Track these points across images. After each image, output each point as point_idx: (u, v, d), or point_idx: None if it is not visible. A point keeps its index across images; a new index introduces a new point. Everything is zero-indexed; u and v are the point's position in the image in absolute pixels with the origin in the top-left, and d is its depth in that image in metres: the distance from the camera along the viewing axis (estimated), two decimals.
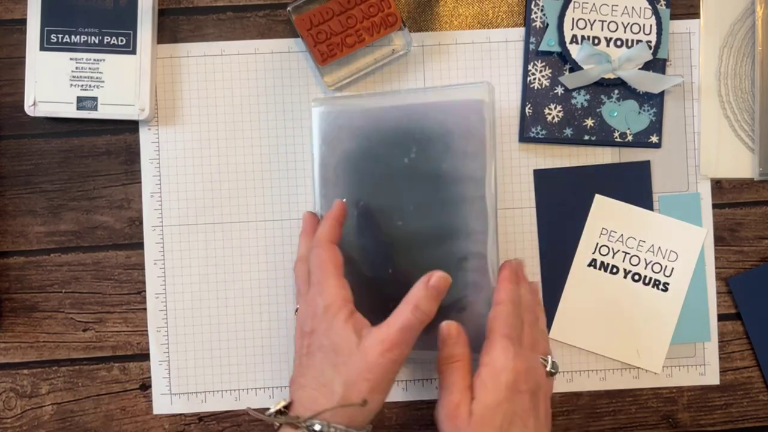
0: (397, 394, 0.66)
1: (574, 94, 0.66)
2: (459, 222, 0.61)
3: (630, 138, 0.66)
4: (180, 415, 0.66)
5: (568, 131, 0.66)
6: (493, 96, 0.61)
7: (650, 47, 0.65)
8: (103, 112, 0.64)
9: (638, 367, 0.66)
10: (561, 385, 0.67)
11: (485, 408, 0.53)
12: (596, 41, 0.65)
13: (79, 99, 0.65)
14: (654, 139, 0.66)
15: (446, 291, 0.56)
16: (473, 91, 0.60)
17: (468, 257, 0.60)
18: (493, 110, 0.62)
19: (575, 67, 0.65)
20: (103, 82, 0.64)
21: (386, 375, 0.53)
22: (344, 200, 0.61)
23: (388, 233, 0.62)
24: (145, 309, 0.66)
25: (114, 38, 0.65)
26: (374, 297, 0.61)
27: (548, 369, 0.57)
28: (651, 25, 0.66)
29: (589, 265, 0.66)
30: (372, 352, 0.53)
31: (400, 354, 0.53)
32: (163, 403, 0.66)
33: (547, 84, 0.66)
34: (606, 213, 0.66)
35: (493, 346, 0.55)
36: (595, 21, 0.66)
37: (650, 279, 0.66)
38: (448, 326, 0.57)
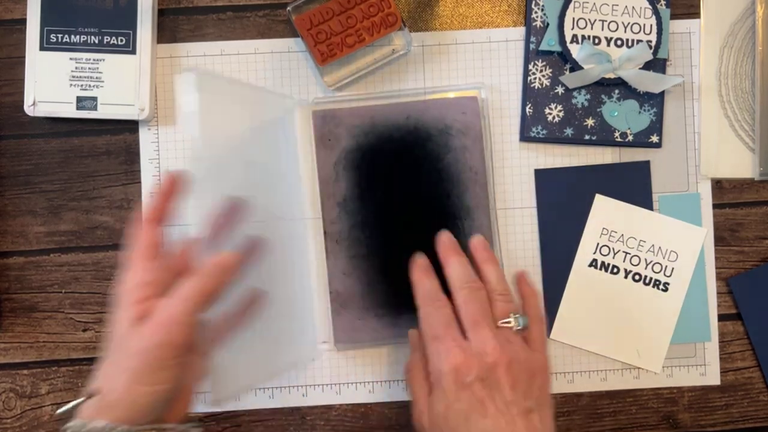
0: (397, 394, 0.66)
1: (575, 93, 0.66)
2: (462, 214, 0.64)
3: (630, 138, 0.66)
4: None
5: (568, 131, 0.66)
6: (487, 94, 0.65)
7: (650, 47, 0.65)
8: (102, 112, 0.64)
9: (639, 368, 0.66)
10: (562, 386, 0.66)
11: (438, 416, 0.53)
12: (597, 41, 0.65)
13: (79, 99, 0.64)
14: (654, 138, 0.66)
15: (231, 272, 0.52)
16: (468, 90, 0.65)
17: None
18: (489, 107, 0.65)
19: (576, 67, 0.65)
20: (102, 81, 0.64)
21: (150, 361, 0.48)
22: (176, 173, 0.56)
23: (392, 228, 0.64)
24: None
25: (114, 38, 0.65)
26: (381, 289, 0.64)
27: (514, 329, 0.55)
28: (651, 25, 0.66)
29: (590, 265, 0.66)
30: (150, 334, 0.49)
31: (167, 335, 0.48)
32: None
33: (548, 84, 0.66)
34: (606, 213, 0.66)
35: (427, 353, 0.55)
36: (595, 21, 0.65)
37: (650, 279, 0.66)
38: (411, 333, 0.60)
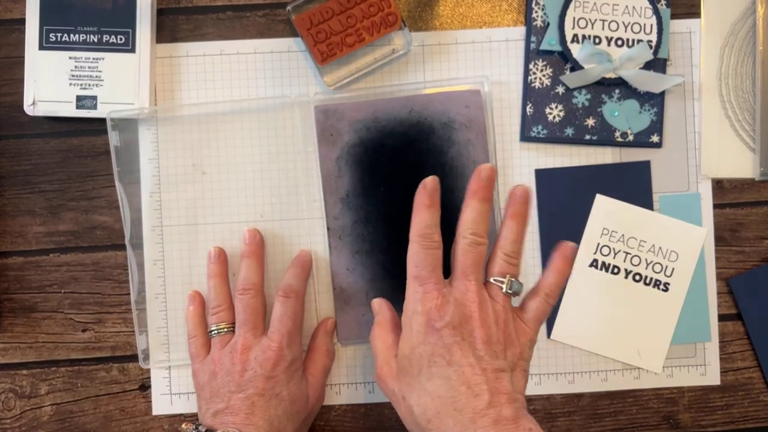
0: None
1: (575, 93, 0.66)
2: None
3: (631, 138, 0.66)
4: (180, 415, 0.66)
5: (569, 131, 0.66)
6: (490, 87, 0.65)
7: (651, 47, 0.65)
8: (102, 111, 0.64)
9: (639, 368, 0.66)
10: (562, 386, 0.66)
11: (402, 358, 0.53)
12: (597, 40, 0.65)
13: (79, 98, 0.64)
14: (655, 138, 0.66)
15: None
16: (471, 83, 0.65)
17: None
18: (491, 101, 0.65)
19: (576, 67, 0.65)
20: (102, 80, 0.64)
21: (316, 414, 0.64)
22: (309, 251, 0.65)
23: (395, 223, 0.64)
24: (145, 309, 0.66)
25: (113, 37, 0.64)
26: (385, 285, 0.64)
27: (504, 290, 0.54)
28: (652, 25, 0.65)
29: (591, 265, 0.66)
30: (312, 401, 0.61)
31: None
32: (162, 404, 0.66)
33: (548, 83, 0.66)
34: (607, 213, 0.66)
35: (406, 291, 0.55)
36: (596, 20, 0.65)
37: (651, 279, 0.66)
38: (374, 302, 0.61)
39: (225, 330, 0.62)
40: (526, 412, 0.52)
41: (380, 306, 0.60)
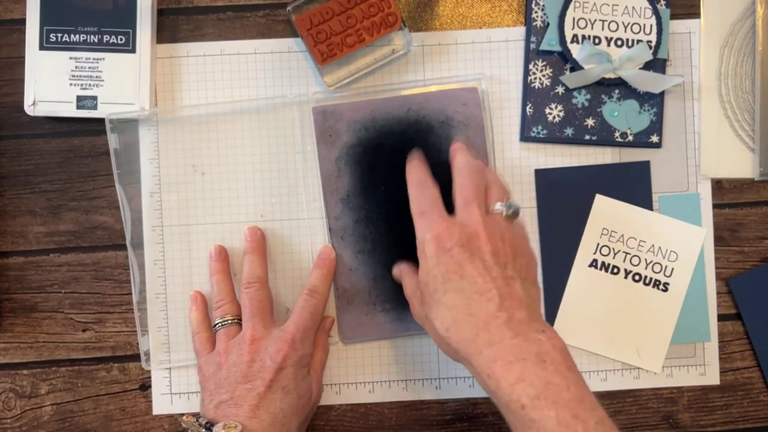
0: (397, 394, 0.66)
1: (575, 93, 0.66)
2: None
3: (630, 138, 0.66)
4: (180, 415, 0.66)
5: (568, 131, 0.66)
6: (487, 84, 0.65)
7: (650, 47, 0.65)
8: (102, 111, 0.64)
9: (638, 368, 0.66)
10: None
11: (422, 284, 0.55)
12: (597, 41, 0.65)
13: (79, 98, 0.64)
14: (654, 138, 0.66)
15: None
16: (468, 81, 0.65)
17: None
18: (489, 98, 0.66)
19: (576, 67, 0.65)
20: (102, 81, 0.64)
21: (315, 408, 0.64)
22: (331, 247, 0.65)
23: (396, 222, 0.64)
24: (145, 309, 0.66)
25: (113, 37, 0.64)
26: (387, 284, 0.64)
27: (504, 214, 0.57)
28: (651, 25, 0.66)
29: (590, 265, 0.66)
30: (315, 397, 0.62)
31: None
32: (163, 403, 0.66)
33: (548, 83, 0.66)
34: (607, 213, 0.66)
35: (415, 232, 0.57)
36: (595, 20, 0.65)
37: (650, 279, 0.66)
38: (394, 267, 0.63)
39: (230, 322, 0.62)
40: (542, 318, 0.54)
41: (399, 266, 0.62)
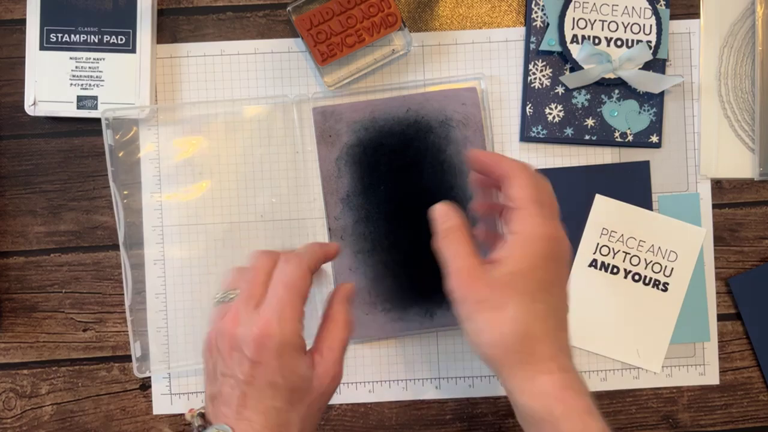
0: (397, 394, 0.66)
1: (575, 93, 0.66)
2: (466, 201, 0.64)
3: (630, 138, 0.66)
4: (180, 415, 0.66)
5: (568, 131, 0.66)
6: (486, 84, 0.65)
7: (650, 47, 0.65)
8: (102, 111, 0.64)
9: (638, 367, 0.66)
10: None
11: (512, 275, 0.49)
12: (597, 41, 0.65)
13: (79, 98, 0.64)
14: (654, 139, 0.66)
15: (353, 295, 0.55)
16: (467, 81, 0.65)
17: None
18: (488, 98, 0.66)
19: (576, 67, 0.65)
20: (103, 81, 0.64)
21: (332, 394, 0.52)
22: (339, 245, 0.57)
23: (396, 222, 0.64)
24: (145, 309, 0.66)
25: (113, 37, 0.65)
26: (387, 284, 0.64)
27: None
28: (651, 25, 0.66)
29: (590, 265, 0.66)
30: (325, 381, 0.51)
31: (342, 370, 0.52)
32: (163, 403, 0.66)
33: (548, 84, 0.66)
34: (606, 213, 0.66)
35: (521, 213, 0.51)
36: (595, 21, 0.65)
37: (650, 279, 0.66)
38: (435, 209, 0.53)
39: (232, 298, 0.52)
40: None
41: (448, 212, 0.53)
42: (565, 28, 0.65)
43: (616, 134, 0.66)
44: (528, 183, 0.52)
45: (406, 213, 0.64)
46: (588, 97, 0.66)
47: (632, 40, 0.65)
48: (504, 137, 0.67)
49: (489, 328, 0.49)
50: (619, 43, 0.65)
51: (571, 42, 0.65)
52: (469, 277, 0.50)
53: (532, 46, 0.66)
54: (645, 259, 0.66)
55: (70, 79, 0.64)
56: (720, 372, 0.67)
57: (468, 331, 0.50)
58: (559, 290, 0.51)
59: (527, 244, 0.50)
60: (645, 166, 0.67)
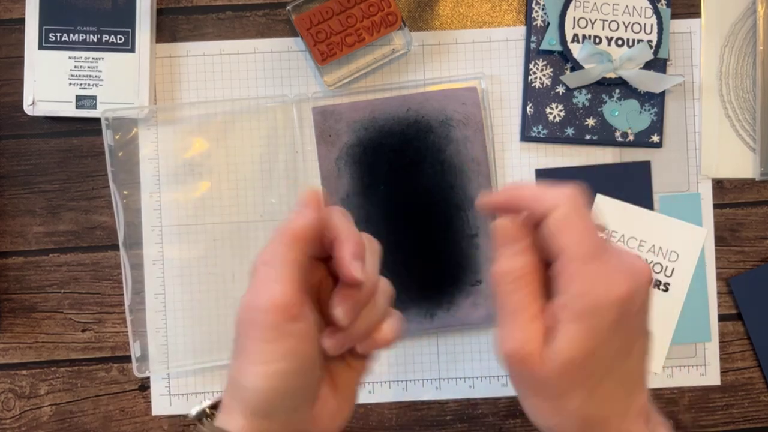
0: (397, 394, 0.66)
1: (576, 93, 0.66)
2: (466, 201, 0.64)
3: (631, 138, 0.66)
4: (179, 416, 0.66)
5: (569, 131, 0.66)
6: (487, 84, 0.66)
7: (651, 47, 0.65)
8: (102, 111, 0.64)
9: None
10: None
11: (572, 363, 0.39)
12: (597, 40, 0.65)
13: (78, 98, 0.64)
14: (655, 138, 0.66)
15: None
16: (467, 81, 0.65)
17: (478, 233, 0.64)
18: (488, 97, 0.66)
19: (576, 67, 0.65)
20: (102, 80, 0.64)
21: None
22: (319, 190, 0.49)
23: (396, 222, 0.64)
24: (145, 309, 0.66)
25: (113, 37, 0.64)
26: (390, 282, 0.62)
27: None
28: (652, 25, 0.65)
29: None
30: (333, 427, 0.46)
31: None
32: (162, 404, 0.66)
33: (549, 83, 0.66)
34: (607, 213, 0.66)
35: (578, 272, 0.39)
36: (596, 20, 0.65)
37: None
38: (501, 226, 0.42)
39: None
40: None
41: (518, 237, 0.42)
42: (566, 28, 0.65)
43: (617, 134, 0.66)
44: (573, 222, 0.40)
45: (406, 213, 0.64)
46: (589, 96, 0.66)
47: (633, 40, 0.65)
48: (504, 137, 0.67)
49: (546, 415, 0.43)
50: (619, 42, 0.65)
51: (572, 41, 0.65)
52: (518, 353, 0.41)
53: (533, 45, 0.66)
54: (646, 259, 0.66)
55: (69, 79, 0.64)
56: (721, 372, 0.67)
57: (523, 405, 0.44)
58: (643, 340, 0.42)
59: (587, 317, 0.39)
60: (646, 166, 0.67)
